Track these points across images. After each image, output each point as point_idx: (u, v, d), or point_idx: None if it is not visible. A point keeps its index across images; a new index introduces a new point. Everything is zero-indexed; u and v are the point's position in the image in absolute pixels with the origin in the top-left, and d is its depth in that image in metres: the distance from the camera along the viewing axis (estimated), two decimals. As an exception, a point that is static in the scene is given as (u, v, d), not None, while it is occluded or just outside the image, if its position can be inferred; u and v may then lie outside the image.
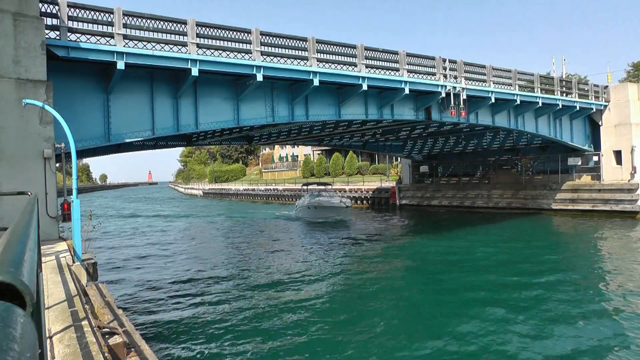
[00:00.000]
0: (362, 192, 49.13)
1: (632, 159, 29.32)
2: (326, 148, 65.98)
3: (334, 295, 13.82)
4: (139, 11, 13.99)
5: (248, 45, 15.82)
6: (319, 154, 76.31)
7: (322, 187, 40.35)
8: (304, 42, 17.21)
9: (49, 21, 12.29)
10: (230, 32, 15.55)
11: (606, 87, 31.31)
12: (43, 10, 12.08)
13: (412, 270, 17.67)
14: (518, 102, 24.48)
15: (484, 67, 23.21)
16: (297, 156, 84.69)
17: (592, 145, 31.68)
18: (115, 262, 19.97)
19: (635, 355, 8.57)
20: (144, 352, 4.97)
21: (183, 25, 14.57)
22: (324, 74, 17.54)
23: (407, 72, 19.99)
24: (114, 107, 14.82)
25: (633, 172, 29.11)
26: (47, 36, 11.94)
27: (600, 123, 31.16)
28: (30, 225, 1.75)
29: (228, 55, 15.49)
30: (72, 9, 12.74)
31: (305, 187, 42.69)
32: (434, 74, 21.18)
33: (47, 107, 9.85)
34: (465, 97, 21.68)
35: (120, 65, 13.24)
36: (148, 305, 12.92)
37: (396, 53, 19.93)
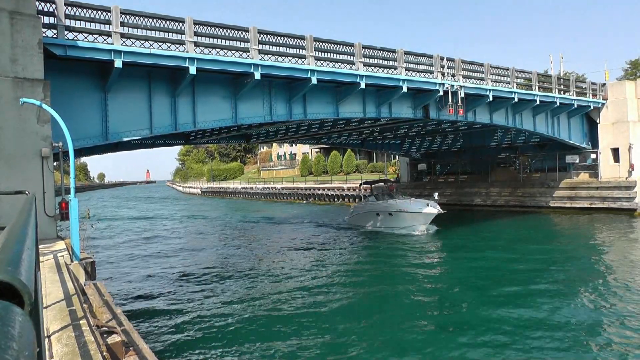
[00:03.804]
0: (360, 190, 49.08)
1: (630, 156, 29.41)
2: (324, 146, 65.92)
3: (332, 293, 13.82)
4: (137, 9, 13.96)
5: (246, 43, 15.80)
6: (317, 152, 76.25)
7: (387, 185, 31.36)
8: (302, 41, 17.19)
9: (46, 19, 12.25)
10: (228, 31, 15.53)
11: (604, 85, 31.36)
12: (40, 8, 12.04)
13: (412, 268, 17.68)
14: (516, 100, 24.51)
15: (481, 65, 23.22)
16: (295, 154, 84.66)
17: (589, 143, 31.75)
18: (114, 261, 19.95)
19: (636, 355, 8.60)
20: (143, 351, 4.97)
21: (181, 24, 14.54)
22: (322, 72, 17.53)
23: (405, 70, 19.99)
24: (111, 105, 14.79)
25: (631, 169, 29.20)
26: (44, 35, 11.90)
27: (598, 121, 31.23)
28: (28, 224, 1.75)
29: (226, 53, 15.47)
30: (70, 8, 12.70)
31: (365, 187, 33.31)
32: (431, 72, 21.18)
33: (44, 106, 9.83)
34: (463, 95, 21.69)
35: (118, 63, 13.22)
36: (147, 304, 12.91)
37: (394, 51, 19.92)
